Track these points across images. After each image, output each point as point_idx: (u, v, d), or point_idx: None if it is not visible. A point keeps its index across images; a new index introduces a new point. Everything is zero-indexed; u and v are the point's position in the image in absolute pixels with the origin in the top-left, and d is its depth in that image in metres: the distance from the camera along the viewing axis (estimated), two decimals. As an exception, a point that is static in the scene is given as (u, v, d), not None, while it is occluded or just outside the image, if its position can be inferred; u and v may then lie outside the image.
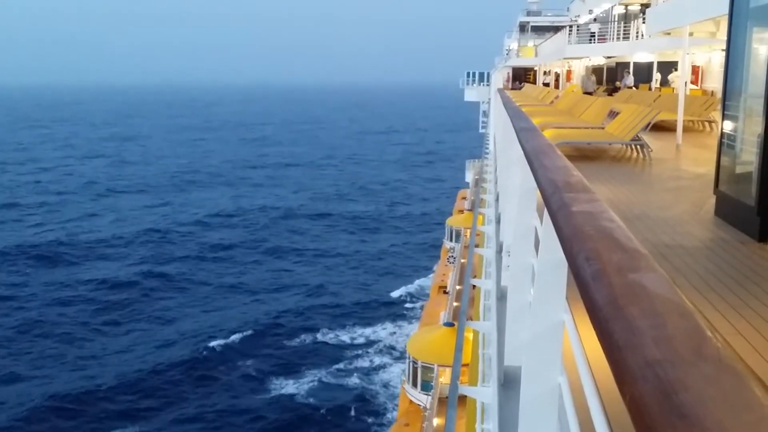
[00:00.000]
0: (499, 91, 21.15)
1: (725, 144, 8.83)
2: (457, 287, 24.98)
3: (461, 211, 38.79)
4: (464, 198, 43.27)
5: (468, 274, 6.03)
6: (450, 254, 33.46)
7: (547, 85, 46.53)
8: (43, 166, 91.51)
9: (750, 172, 8.20)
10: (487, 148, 19.84)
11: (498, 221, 7.50)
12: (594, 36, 33.74)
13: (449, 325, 21.55)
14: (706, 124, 20.52)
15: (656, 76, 29.13)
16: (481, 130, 49.86)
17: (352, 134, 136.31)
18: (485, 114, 48.66)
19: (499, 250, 6.24)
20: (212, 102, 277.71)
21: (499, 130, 10.37)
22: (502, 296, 5.19)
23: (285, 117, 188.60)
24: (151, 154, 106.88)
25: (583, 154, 13.41)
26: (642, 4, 34.33)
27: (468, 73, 54.89)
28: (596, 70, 36.34)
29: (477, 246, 10.24)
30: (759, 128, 7.98)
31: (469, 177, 44.36)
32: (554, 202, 1.57)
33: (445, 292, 28.98)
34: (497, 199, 8.59)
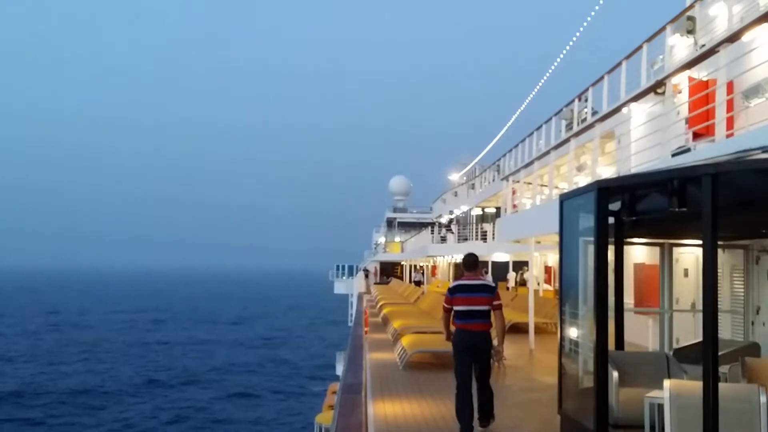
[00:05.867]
0: (360, 296, 21.58)
1: (565, 359, 8.34)
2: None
3: (331, 407, 37.72)
4: (334, 392, 42.20)
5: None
6: (322, 456, 31.96)
7: (417, 283, 46.75)
8: None
9: (589, 388, 7.45)
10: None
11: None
12: (444, 239, 35.74)
13: None
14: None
15: (511, 275, 30.67)
16: (350, 324, 49.97)
17: (202, 322, 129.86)
18: (353, 306, 49.10)
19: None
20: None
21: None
22: None
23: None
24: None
25: (442, 362, 13.56)
26: (497, 208, 36.94)
27: (337, 266, 55.92)
28: (458, 266, 38.01)
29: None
30: (590, 344, 7.27)
31: (340, 370, 43.56)
32: None
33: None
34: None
